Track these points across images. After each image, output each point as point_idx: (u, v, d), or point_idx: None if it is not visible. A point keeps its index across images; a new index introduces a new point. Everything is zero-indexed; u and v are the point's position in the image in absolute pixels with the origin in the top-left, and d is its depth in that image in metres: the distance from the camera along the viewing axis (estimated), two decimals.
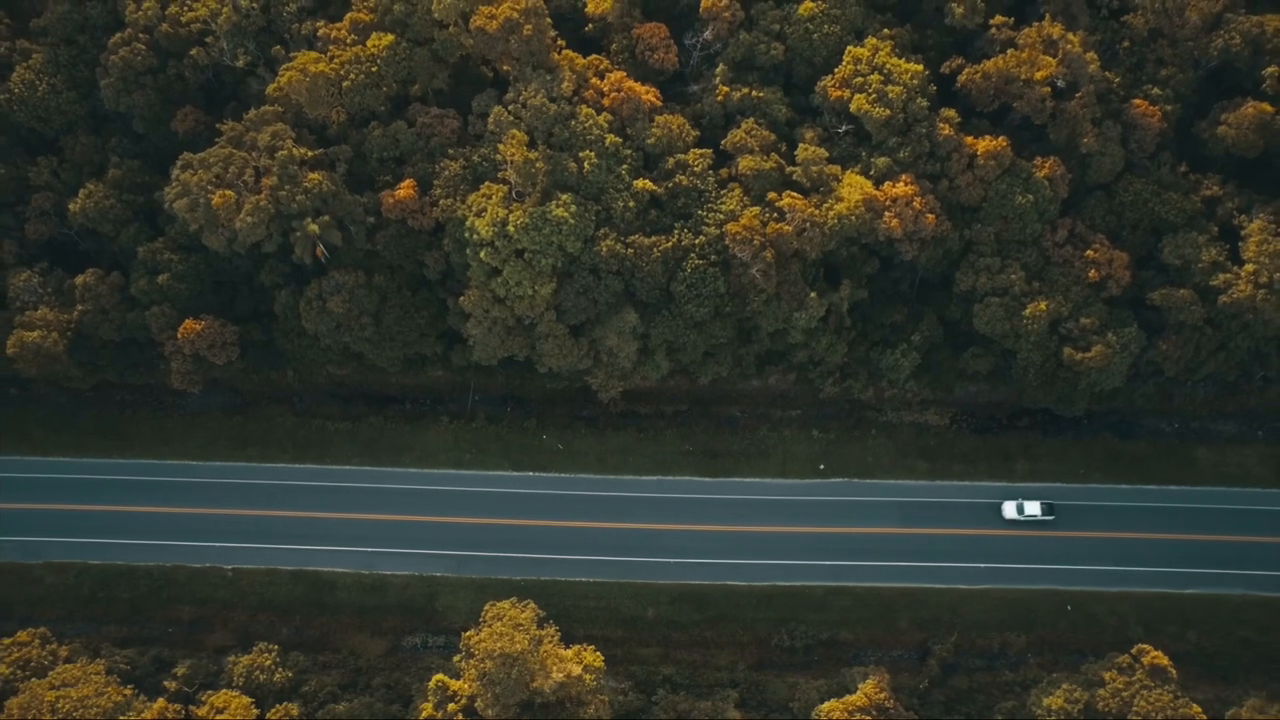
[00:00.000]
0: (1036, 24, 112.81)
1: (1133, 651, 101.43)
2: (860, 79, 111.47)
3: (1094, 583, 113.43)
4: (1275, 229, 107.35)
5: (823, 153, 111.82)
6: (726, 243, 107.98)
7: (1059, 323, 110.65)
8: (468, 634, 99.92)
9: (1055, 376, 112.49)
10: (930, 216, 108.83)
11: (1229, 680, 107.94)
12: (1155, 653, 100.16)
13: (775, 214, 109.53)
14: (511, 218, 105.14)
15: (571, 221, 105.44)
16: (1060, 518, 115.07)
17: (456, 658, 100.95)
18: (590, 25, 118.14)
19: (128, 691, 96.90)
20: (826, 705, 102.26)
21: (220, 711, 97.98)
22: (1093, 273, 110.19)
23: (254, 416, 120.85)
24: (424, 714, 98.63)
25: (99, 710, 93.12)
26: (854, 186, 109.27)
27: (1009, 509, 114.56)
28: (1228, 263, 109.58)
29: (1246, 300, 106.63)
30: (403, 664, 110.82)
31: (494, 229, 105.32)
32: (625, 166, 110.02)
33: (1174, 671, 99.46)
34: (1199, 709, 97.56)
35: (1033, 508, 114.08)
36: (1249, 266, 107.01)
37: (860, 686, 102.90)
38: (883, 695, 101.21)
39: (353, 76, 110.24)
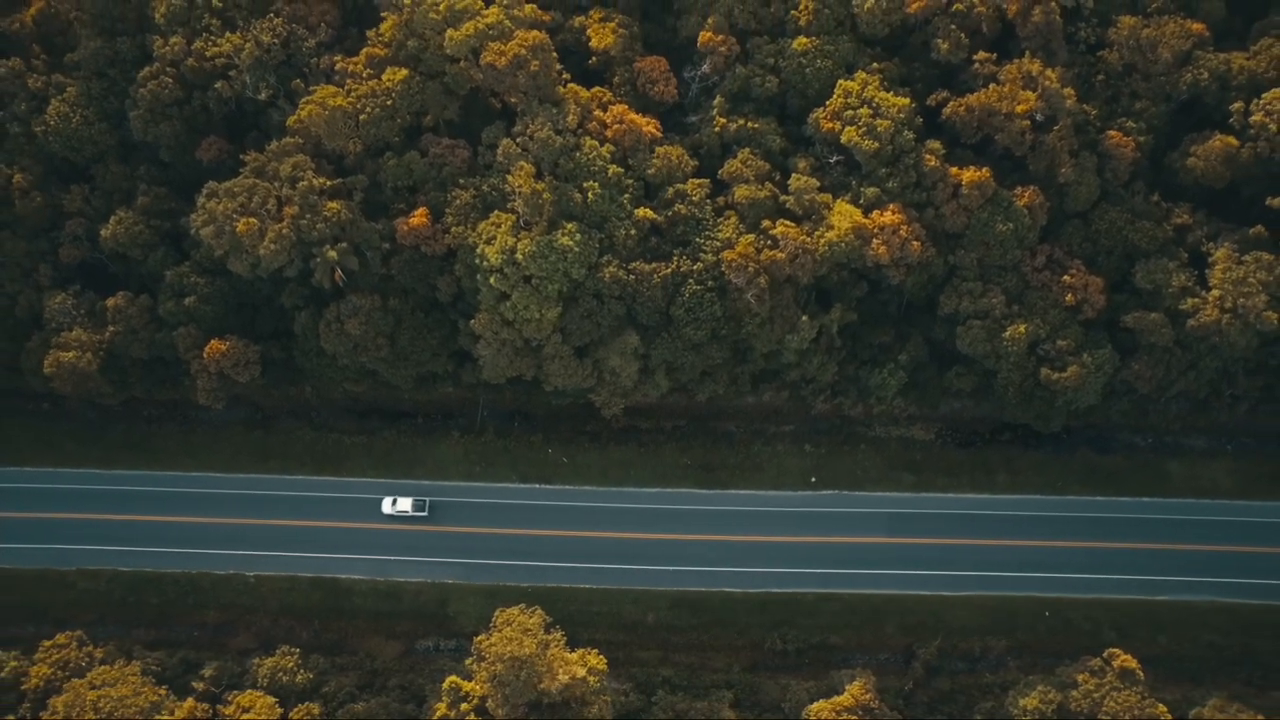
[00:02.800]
0: (1017, 60, 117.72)
1: (1104, 655, 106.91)
2: (850, 112, 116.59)
3: (1071, 590, 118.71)
4: (1239, 257, 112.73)
5: (814, 182, 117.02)
6: (723, 269, 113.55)
7: (1037, 344, 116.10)
8: (479, 638, 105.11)
9: (1033, 395, 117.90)
10: (916, 244, 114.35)
11: (1196, 681, 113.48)
12: (1125, 656, 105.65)
13: (769, 241, 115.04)
14: (520, 246, 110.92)
15: (576, 250, 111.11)
16: (1039, 528, 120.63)
17: (468, 660, 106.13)
18: (594, 59, 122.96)
19: (162, 691, 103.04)
20: (816, 705, 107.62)
21: (246, 710, 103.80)
22: (1069, 297, 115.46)
23: (274, 431, 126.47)
24: (438, 713, 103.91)
25: (137, 709, 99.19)
26: (844, 215, 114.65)
27: (386, 504, 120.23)
28: (1196, 288, 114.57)
29: (1213, 324, 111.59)
30: (416, 666, 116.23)
31: (503, 256, 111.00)
32: (627, 196, 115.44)
33: (1142, 674, 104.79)
34: (1164, 708, 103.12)
35: (404, 504, 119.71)
36: (1215, 292, 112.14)
37: (848, 688, 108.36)
38: (868, 696, 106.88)
39: (369, 110, 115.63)
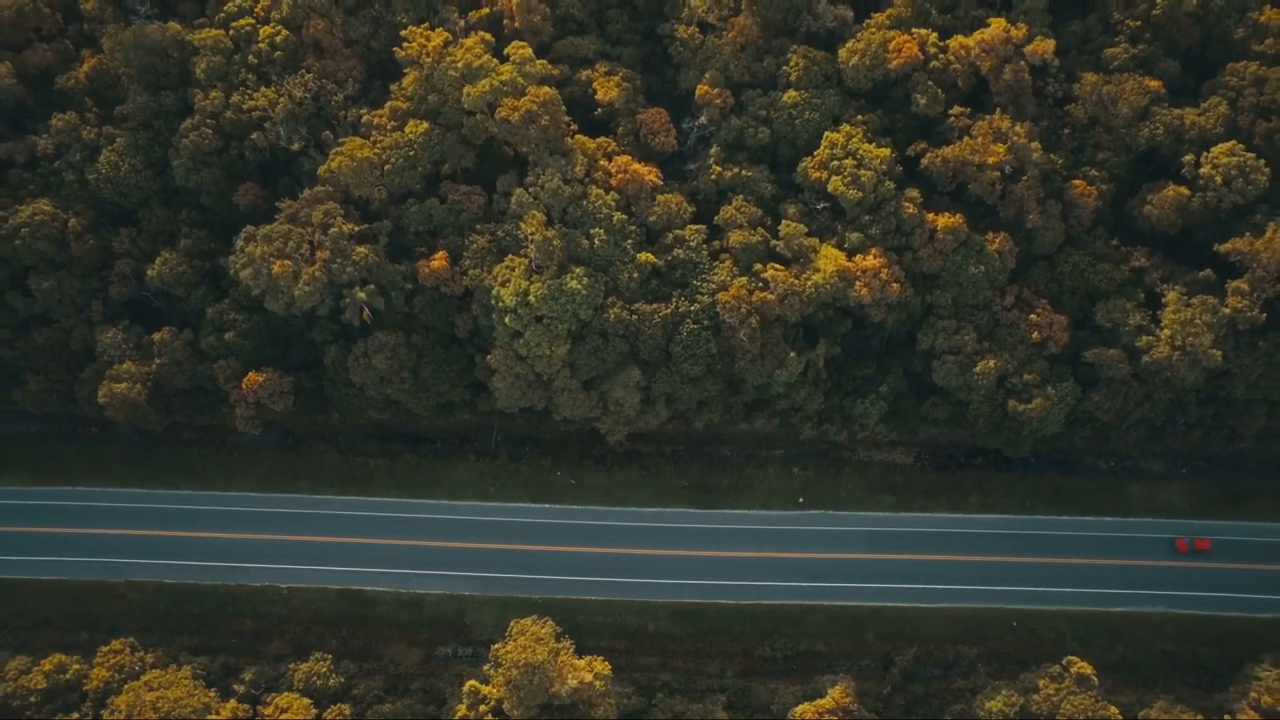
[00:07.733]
0: (987, 117, 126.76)
1: (1063, 662, 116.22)
2: (836, 163, 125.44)
3: (1037, 602, 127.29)
4: (1188, 299, 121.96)
5: (802, 228, 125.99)
6: (718, 310, 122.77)
7: (1005, 378, 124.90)
8: (496, 646, 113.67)
9: (1002, 424, 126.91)
10: (896, 285, 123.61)
11: (1149, 686, 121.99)
12: (1081, 663, 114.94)
13: (760, 283, 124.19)
14: (532, 289, 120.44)
15: (584, 292, 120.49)
16: (1008, 545, 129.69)
17: (486, 666, 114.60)
18: (599, 110, 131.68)
19: (211, 693, 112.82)
20: (800, 708, 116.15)
21: (284, 711, 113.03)
22: (1035, 334, 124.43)
23: (304, 454, 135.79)
24: (459, 714, 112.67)
25: (190, 709, 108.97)
26: (829, 259, 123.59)
27: None
28: (1151, 326, 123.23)
29: (1165, 360, 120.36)
30: (436, 671, 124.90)
31: (517, 298, 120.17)
32: (630, 241, 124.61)
33: (1096, 679, 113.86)
34: (1116, 710, 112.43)
35: None
36: (1166, 331, 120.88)
37: (830, 692, 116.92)
38: (849, 699, 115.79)
39: (393, 160, 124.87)
